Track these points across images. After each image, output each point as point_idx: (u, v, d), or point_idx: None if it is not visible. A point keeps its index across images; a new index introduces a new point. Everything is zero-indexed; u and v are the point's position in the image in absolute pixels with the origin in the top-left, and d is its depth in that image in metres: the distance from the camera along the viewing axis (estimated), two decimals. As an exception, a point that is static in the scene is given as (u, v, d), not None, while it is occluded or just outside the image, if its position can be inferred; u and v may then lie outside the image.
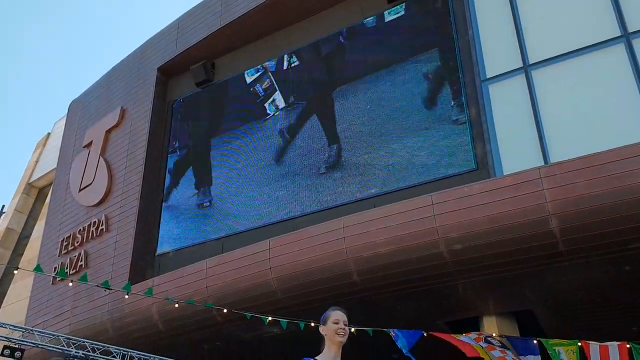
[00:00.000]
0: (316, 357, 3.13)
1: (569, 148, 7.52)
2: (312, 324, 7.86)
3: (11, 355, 8.82)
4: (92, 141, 13.73)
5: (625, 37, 7.86)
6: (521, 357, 7.56)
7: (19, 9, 62.18)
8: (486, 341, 7.77)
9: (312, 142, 10.33)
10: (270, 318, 8.24)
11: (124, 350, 9.07)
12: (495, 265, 7.42)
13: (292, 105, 10.96)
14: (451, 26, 9.51)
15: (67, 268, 12.22)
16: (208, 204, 11.17)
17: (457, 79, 9.10)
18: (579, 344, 7.10)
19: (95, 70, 69.38)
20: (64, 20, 66.66)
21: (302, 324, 7.95)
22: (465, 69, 9.07)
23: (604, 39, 8.01)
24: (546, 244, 7.01)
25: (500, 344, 7.77)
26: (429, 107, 9.25)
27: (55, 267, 12.53)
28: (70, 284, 10.71)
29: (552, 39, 8.46)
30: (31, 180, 19.45)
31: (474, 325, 8.47)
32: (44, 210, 17.12)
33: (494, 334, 7.98)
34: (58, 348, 8.89)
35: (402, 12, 10.22)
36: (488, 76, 8.73)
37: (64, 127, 15.91)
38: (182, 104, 12.81)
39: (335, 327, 3.19)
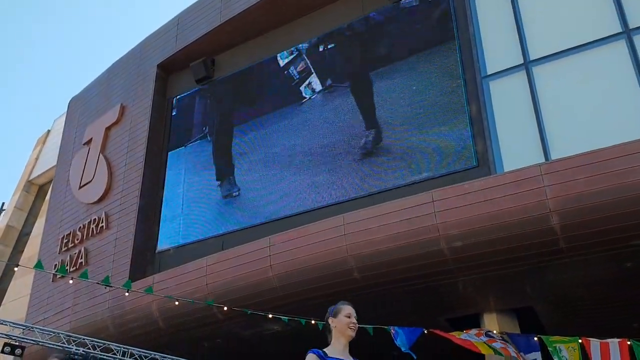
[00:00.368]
0: (324, 349, 3.16)
1: (570, 145, 7.50)
2: (313, 321, 7.86)
3: (11, 352, 8.82)
4: (92, 138, 13.72)
5: (627, 33, 7.84)
6: (522, 353, 7.56)
7: (20, 8, 62.09)
8: (487, 335, 7.77)
9: (348, 128, 9.96)
10: (270, 315, 8.23)
11: (124, 348, 9.06)
12: (495, 262, 7.41)
13: (329, 88, 10.51)
14: (451, 22, 9.47)
15: (67, 265, 12.21)
16: (237, 193, 10.76)
17: (458, 75, 9.07)
18: (580, 340, 7.10)
19: (95, 68, 69.32)
20: (64, 19, 66.57)
21: (302, 321, 7.94)
22: (465, 66, 9.04)
23: (605, 35, 7.99)
24: (547, 240, 7.00)
25: (501, 339, 7.78)
26: (428, 105, 9.23)
27: (56, 265, 12.53)
28: (71, 281, 10.72)
29: (553, 35, 8.43)
30: (31, 178, 19.45)
31: (474, 322, 8.47)
32: (44, 207, 17.12)
33: (494, 331, 7.98)
34: (58, 345, 8.88)
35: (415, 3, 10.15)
36: (489, 73, 8.70)
37: (63, 124, 15.89)
38: (208, 90, 12.38)
39: (347, 320, 3.24)
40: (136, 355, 9.05)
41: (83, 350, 8.81)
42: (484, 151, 8.34)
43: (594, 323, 8.75)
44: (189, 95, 12.69)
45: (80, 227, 12.60)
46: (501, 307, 8.44)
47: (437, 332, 7.68)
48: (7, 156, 59.89)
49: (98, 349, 8.95)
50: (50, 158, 18.13)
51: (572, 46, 8.16)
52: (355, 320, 3.26)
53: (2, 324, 8.96)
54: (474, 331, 7.82)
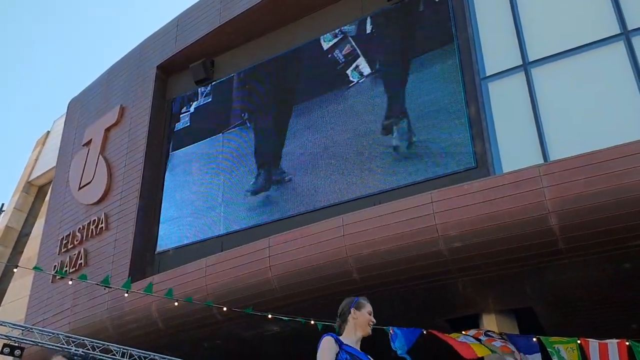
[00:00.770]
0: (340, 337, 3.18)
1: (569, 146, 7.51)
2: (312, 322, 7.87)
3: (11, 353, 8.83)
4: (91, 139, 13.73)
5: (625, 34, 7.86)
6: (521, 354, 7.57)
7: (19, 9, 62.09)
8: (486, 335, 7.79)
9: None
10: (270, 315, 8.24)
11: (123, 349, 9.07)
12: (494, 263, 7.42)
13: (378, 72, 10.05)
14: (450, 23, 9.49)
15: (66, 266, 12.21)
16: (289, 179, 10.22)
17: (458, 76, 9.09)
18: (579, 341, 7.11)
19: (95, 69, 69.32)
20: (63, 20, 66.58)
21: (302, 322, 7.96)
22: (464, 67, 9.06)
23: (603, 37, 8.01)
24: (546, 241, 7.02)
25: (500, 338, 7.79)
26: (426, 105, 9.24)
27: (55, 266, 12.53)
28: (70, 282, 10.71)
29: (552, 36, 8.45)
30: (31, 179, 19.46)
31: (474, 322, 8.48)
32: (44, 208, 17.12)
33: (493, 331, 7.99)
34: (58, 346, 8.89)
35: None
36: (487, 74, 8.72)
37: (63, 125, 15.90)
38: (246, 75, 11.91)
39: (369, 317, 3.30)
40: (135, 356, 9.06)
41: (82, 351, 8.81)
42: (483, 152, 8.35)
43: (593, 324, 8.76)
44: (226, 81, 12.20)
45: (79, 228, 12.60)
46: (500, 308, 8.45)
47: (436, 333, 7.69)
48: (7, 157, 59.89)
49: (97, 350, 8.96)
50: (49, 159, 18.14)
51: (571, 47, 8.18)
52: (374, 320, 3.32)
53: (1, 324, 8.97)
54: (473, 331, 7.84)
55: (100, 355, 8.89)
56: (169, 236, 11.47)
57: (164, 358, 9.13)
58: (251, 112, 11.51)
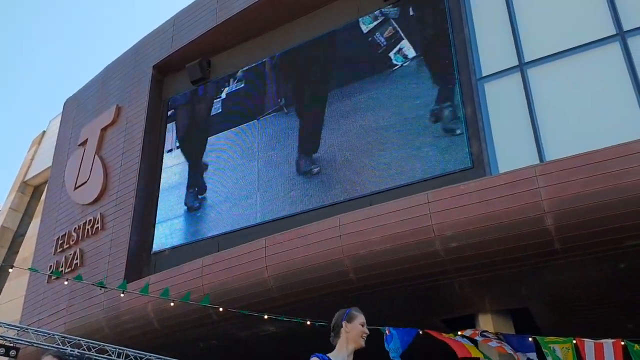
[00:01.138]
0: (328, 355, 3.07)
1: (565, 146, 7.53)
2: (308, 322, 7.87)
3: (6, 354, 8.79)
4: (87, 139, 13.69)
5: (621, 35, 7.88)
6: (518, 354, 7.58)
7: (16, 8, 61.91)
8: (482, 335, 7.80)
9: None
10: (266, 316, 8.24)
11: (119, 349, 9.05)
12: (491, 263, 7.43)
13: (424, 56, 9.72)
14: (447, 24, 9.50)
15: (62, 266, 12.18)
16: (318, 170, 9.88)
17: (453, 77, 9.10)
18: (574, 341, 7.13)
19: (91, 68, 69.19)
20: (59, 19, 66.42)
21: (299, 321, 7.95)
22: (460, 67, 9.07)
23: (599, 37, 8.03)
24: (542, 241, 7.03)
25: (496, 338, 7.80)
26: (425, 106, 9.25)
27: (51, 266, 12.50)
28: (66, 283, 10.68)
29: (548, 37, 8.47)
30: (26, 178, 19.39)
31: (470, 322, 8.49)
32: (39, 208, 17.07)
33: (489, 332, 8.00)
34: (53, 347, 8.86)
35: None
36: (484, 74, 8.74)
37: (59, 125, 15.85)
38: (279, 60, 11.49)
39: (362, 329, 3.20)
40: (131, 357, 9.04)
41: (78, 352, 8.79)
42: (479, 152, 8.37)
43: (589, 324, 8.78)
44: (259, 66, 11.76)
45: (75, 228, 12.57)
46: (496, 308, 8.46)
47: (432, 333, 7.70)
48: (3, 157, 59.70)
49: (93, 350, 8.93)
50: (45, 159, 18.08)
51: (567, 48, 8.20)
52: (367, 331, 3.22)
53: (-4, 325, 8.94)
54: (469, 332, 7.85)
55: (95, 356, 8.86)
56: (165, 236, 11.45)
57: (160, 358, 9.11)
58: (288, 97, 11.08)
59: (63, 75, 68.31)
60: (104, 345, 9.05)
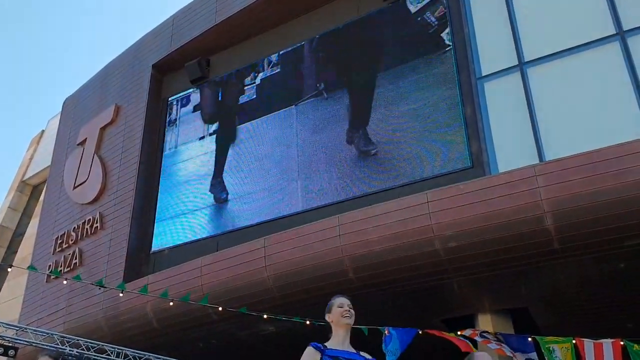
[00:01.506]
0: (324, 343, 3.18)
1: (565, 146, 7.53)
2: (308, 322, 7.86)
3: (5, 353, 8.77)
4: (86, 138, 13.68)
5: (620, 35, 7.88)
6: (517, 354, 7.58)
7: (14, 7, 61.85)
8: (481, 336, 7.79)
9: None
10: (265, 315, 8.23)
11: (118, 349, 9.03)
12: (490, 262, 7.43)
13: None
14: (446, 23, 9.49)
15: (61, 266, 12.17)
16: (375, 152, 9.43)
17: (453, 76, 9.09)
18: (574, 341, 7.12)
19: (90, 68, 69.14)
20: (58, 18, 66.38)
21: (298, 320, 7.94)
22: (460, 67, 9.07)
23: (599, 37, 8.03)
24: (541, 241, 7.02)
25: (495, 340, 7.80)
26: (424, 105, 9.24)
27: (50, 265, 12.48)
28: (65, 282, 10.67)
29: (548, 37, 8.47)
30: (25, 178, 19.38)
31: (469, 322, 8.49)
32: (38, 207, 17.05)
33: (489, 332, 8.00)
34: (52, 346, 8.85)
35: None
36: (483, 74, 8.73)
37: (58, 124, 15.84)
38: (317, 44, 10.98)
39: (340, 310, 3.27)
40: (130, 356, 9.03)
41: (77, 351, 8.77)
42: (479, 152, 8.36)
43: (588, 323, 8.78)
44: (297, 50, 11.25)
45: (74, 227, 12.56)
46: (496, 308, 8.46)
47: (433, 332, 7.69)
48: (1, 156, 59.66)
49: (92, 350, 8.91)
50: (44, 158, 18.07)
51: (567, 48, 8.20)
52: (348, 308, 3.27)
53: (-5, 324, 8.92)
54: (468, 331, 7.84)
55: (94, 356, 8.85)
56: (164, 235, 11.43)
57: (159, 358, 9.10)
58: (328, 81, 10.61)
59: (62, 75, 68.30)
60: (103, 345, 9.03)
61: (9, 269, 9.39)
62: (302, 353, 3.16)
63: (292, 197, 9.98)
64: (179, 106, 12.78)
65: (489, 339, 7.74)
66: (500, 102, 8.47)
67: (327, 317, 3.31)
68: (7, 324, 9.19)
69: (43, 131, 20.40)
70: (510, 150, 8.09)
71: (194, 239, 10.93)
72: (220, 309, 8.57)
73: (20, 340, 9.06)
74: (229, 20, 11.87)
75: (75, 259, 12.01)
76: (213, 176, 11.36)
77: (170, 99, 12.98)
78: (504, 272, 7.57)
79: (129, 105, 13.11)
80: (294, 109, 10.77)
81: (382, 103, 9.71)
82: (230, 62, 12.27)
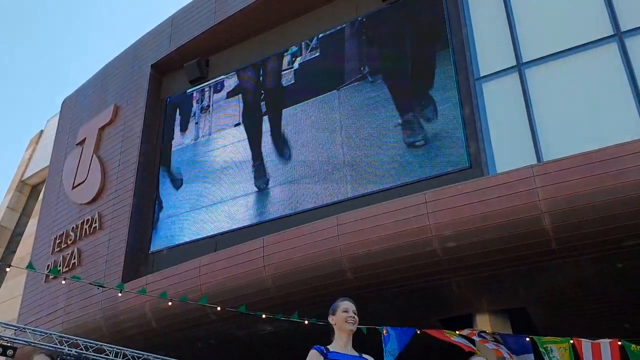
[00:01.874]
0: (327, 346, 3.20)
1: (562, 146, 7.55)
2: (306, 322, 7.87)
3: (3, 353, 8.78)
4: (85, 139, 13.68)
5: (618, 36, 7.90)
6: (514, 355, 7.59)
7: (14, 7, 61.80)
8: (479, 336, 7.80)
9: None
10: (264, 315, 8.24)
11: (117, 348, 9.04)
12: (488, 263, 7.45)
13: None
14: (445, 24, 9.50)
15: (60, 266, 12.17)
16: (422, 143, 9.08)
17: (451, 77, 9.10)
18: (571, 341, 7.13)
19: (89, 68, 69.10)
20: (57, 18, 66.34)
21: (296, 319, 7.95)
22: (458, 67, 9.08)
23: (596, 38, 8.05)
24: (539, 241, 7.04)
25: (493, 340, 7.81)
26: (423, 105, 9.26)
27: (48, 265, 12.48)
28: (63, 282, 10.67)
29: (546, 37, 8.49)
30: (24, 178, 19.37)
31: (467, 322, 8.50)
32: (37, 207, 17.05)
33: (486, 332, 8.01)
34: (51, 346, 8.85)
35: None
36: (482, 74, 8.75)
37: (57, 124, 15.83)
38: (360, 25, 10.51)
39: (345, 315, 3.28)
40: (129, 356, 9.03)
41: (76, 351, 8.78)
42: (477, 152, 8.38)
43: (586, 324, 8.79)
44: (337, 32, 10.76)
45: (73, 227, 12.56)
46: (494, 308, 8.47)
47: (432, 332, 7.70)
48: (0, 156, 59.61)
49: (90, 350, 8.92)
50: (43, 158, 18.06)
51: (565, 48, 8.22)
52: (352, 314, 3.30)
53: (-6, 324, 8.92)
54: (466, 331, 7.85)
55: (93, 355, 8.85)
56: (163, 235, 11.43)
57: (158, 358, 9.10)
58: (373, 64, 10.14)
59: (61, 75, 68.24)
60: (101, 345, 9.04)
61: (8, 269, 9.40)
62: (301, 353, 3.18)
63: (341, 183, 9.52)
64: (211, 92, 12.31)
65: (486, 339, 7.75)
66: (499, 102, 8.49)
67: (330, 319, 3.32)
68: (5, 324, 9.19)
69: (42, 131, 20.39)
70: (509, 151, 8.10)
71: (193, 238, 10.91)
72: (219, 308, 8.58)
73: (18, 340, 9.06)
74: (228, 21, 11.88)
75: (74, 258, 12.01)
76: (252, 163, 10.92)
77: (202, 85, 12.46)
78: (502, 272, 7.59)
79: (128, 105, 13.11)
80: (336, 93, 10.34)
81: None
82: (230, 62, 12.28)
